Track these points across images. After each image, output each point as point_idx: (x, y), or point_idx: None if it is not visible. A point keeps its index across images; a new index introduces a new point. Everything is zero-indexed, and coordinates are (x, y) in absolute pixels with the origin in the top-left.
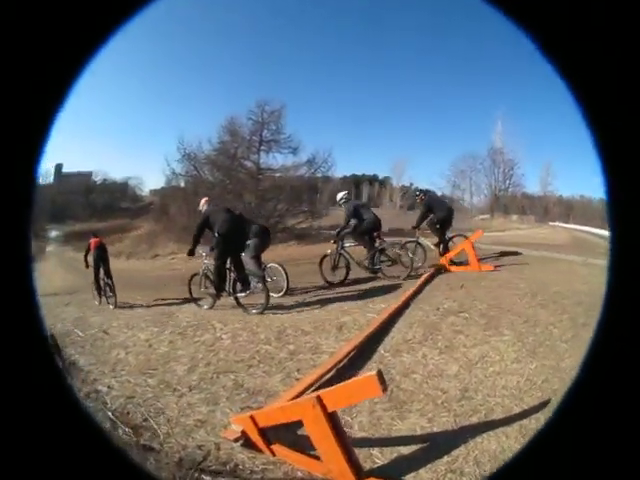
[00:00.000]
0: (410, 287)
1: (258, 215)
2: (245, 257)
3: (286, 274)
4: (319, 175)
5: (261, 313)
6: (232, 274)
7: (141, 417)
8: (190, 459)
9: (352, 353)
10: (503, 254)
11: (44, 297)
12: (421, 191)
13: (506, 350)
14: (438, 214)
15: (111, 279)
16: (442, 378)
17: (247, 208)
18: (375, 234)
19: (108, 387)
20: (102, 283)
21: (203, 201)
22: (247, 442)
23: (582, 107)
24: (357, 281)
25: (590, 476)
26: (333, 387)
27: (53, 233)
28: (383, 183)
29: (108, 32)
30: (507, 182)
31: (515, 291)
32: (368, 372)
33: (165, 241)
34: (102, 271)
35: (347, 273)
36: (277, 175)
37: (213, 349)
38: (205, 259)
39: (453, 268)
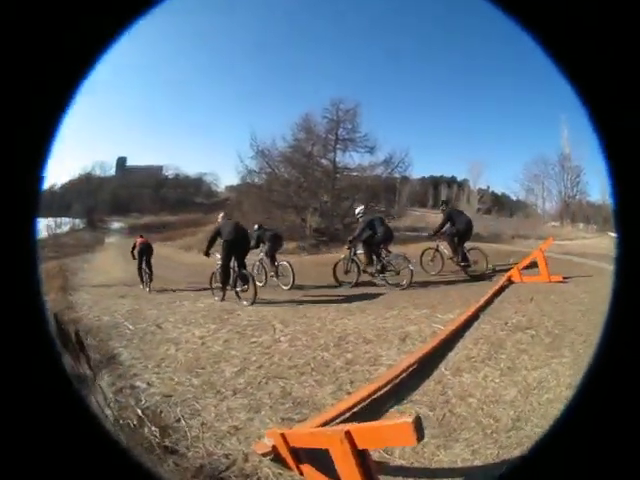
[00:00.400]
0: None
1: (333, 214)
2: (263, 257)
3: (292, 271)
4: (396, 175)
5: (251, 305)
6: (235, 272)
7: (174, 418)
8: (212, 467)
9: (411, 368)
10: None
11: (99, 288)
12: (444, 202)
13: (563, 374)
14: (457, 226)
15: (151, 270)
16: (498, 404)
17: (323, 207)
18: (382, 246)
19: (147, 384)
20: (143, 272)
21: (220, 215)
22: (277, 457)
23: (588, 109)
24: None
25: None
26: (365, 425)
27: (115, 225)
28: (461, 185)
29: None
30: (574, 189)
31: (579, 306)
32: (406, 417)
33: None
34: (144, 262)
35: (358, 276)
36: (353, 174)
37: (268, 352)
38: (218, 260)
39: (525, 279)
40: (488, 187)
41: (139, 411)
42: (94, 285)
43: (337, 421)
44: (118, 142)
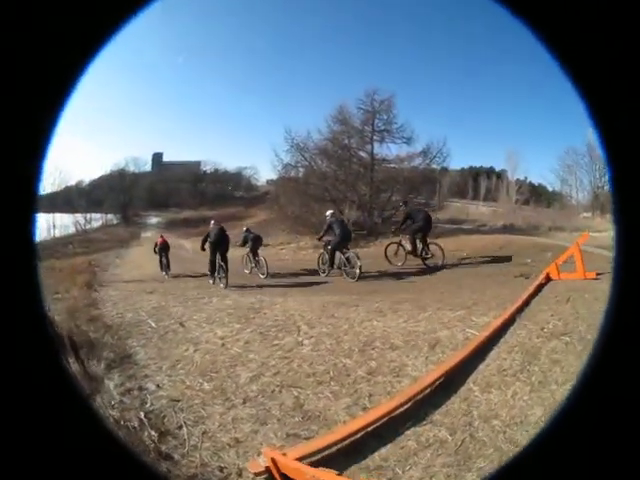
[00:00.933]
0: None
1: (372, 207)
2: (249, 252)
3: (267, 264)
4: (435, 166)
5: (225, 287)
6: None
7: (176, 424)
8: (204, 478)
9: (437, 382)
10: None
11: (129, 284)
12: (404, 202)
13: None
14: (417, 223)
15: (168, 262)
16: (521, 426)
17: (361, 200)
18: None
19: (157, 386)
20: (164, 263)
21: (212, 222)
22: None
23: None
24: None
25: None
26: None
27: (153, 220)
28: (500, 176)
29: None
30: (602, 180)
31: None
32: None
33: (277, 231)
34: (164, 257)
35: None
36: (391, 166)
37: (288, 356)
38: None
39: (562, 276)
40: (526, 178)
41: (142, 414)
42: (125, 281)
43: (341, 445)
44: (153, 138)
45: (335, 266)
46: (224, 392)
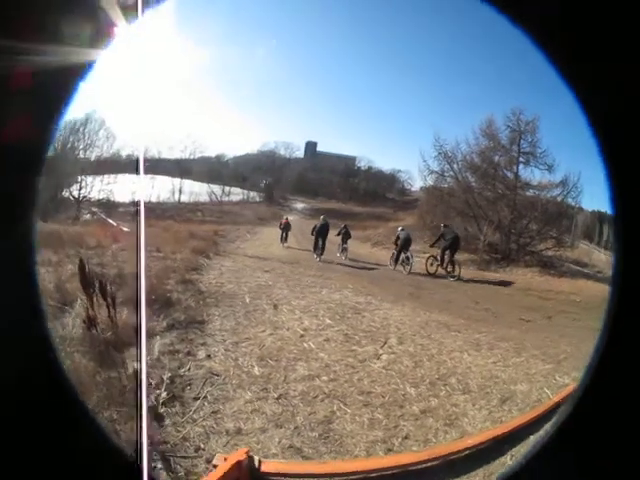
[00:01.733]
0: None
1: (509, 231)
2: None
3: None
4: (569, 201)
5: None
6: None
7: (195, 395)
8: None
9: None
10: None
11: (248, 258)
12: (445, 225)
13: None
14: (446, 241)
15: (287, 237)
16: None
17: (502, 221)
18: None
19: (208, 355)
20: (283, 237)
21: (321, 217)
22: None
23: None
24: None
25: None
26: None
27: (299, 205)
28: None
29: None
30: None
31: None
32: None
33: (419, 238)
34: (285, 234)
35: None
36: (531, 192)
37: (356, 367)
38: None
39: None
40: None
41: (167, 374)
42: (247, 255)
43: None
44: (307, 126)
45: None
46: (267, 382)
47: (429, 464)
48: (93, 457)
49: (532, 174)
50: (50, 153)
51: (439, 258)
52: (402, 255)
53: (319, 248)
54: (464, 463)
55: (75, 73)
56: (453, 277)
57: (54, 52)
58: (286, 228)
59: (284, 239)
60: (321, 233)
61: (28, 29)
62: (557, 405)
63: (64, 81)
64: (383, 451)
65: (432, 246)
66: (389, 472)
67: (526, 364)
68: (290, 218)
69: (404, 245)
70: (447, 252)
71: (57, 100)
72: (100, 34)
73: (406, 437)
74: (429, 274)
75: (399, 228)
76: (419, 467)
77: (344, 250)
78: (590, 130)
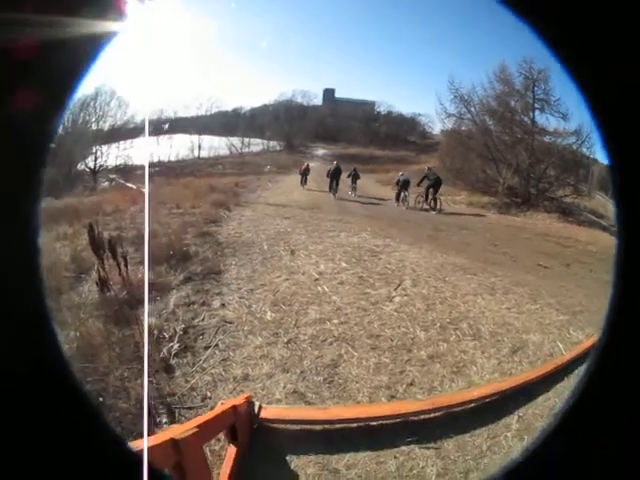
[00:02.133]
0: None
1: (528, 175)
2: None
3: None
4: (584, 150)
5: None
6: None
7: (206, 344)
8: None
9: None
10: None
11: (269, 206)
12: (429, 168)
13: None
14: (429, 181)
15: (306, 181)
16: None
17: (520, 165)
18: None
19: (222, 304)
20: (303, 181)
21: (334, 162)
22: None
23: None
24: None
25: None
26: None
27: (319, 151)
28: None
29: None
30: None
31: None
32: None
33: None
34: (335, 182)
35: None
36: (547, 138)
37: (367, 309)
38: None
39: None
40: None
41: (180, 326)
42: (268, 203)
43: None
44: (324, 74)
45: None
46: (278, 327)
47: (431, 415)
48: (93, 448)
49: (547, 121)
50: (61, 132)
51: (423, 195)
52: (402, 194)
53: (333, 188)
54: (468, 417)
55: (86, 46)
56: (435, 211)
57: (63, 24)
58: (305, 173)
59: (304, 182)
60: (335, 175)
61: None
62: (569, 363)
63: (75, 55)
64: (386, 397)
65: (418, 185)
66: (390, 420)
67: (540, 312)
68: (312, 165)
69: (403, 186)
70: (430, 190)
71: (67, 75)
72: (111, 4)
73: (411, 384)
74: (417, 209)
75: (399, 173)
76: (421, 417)
77: (354, 189)
78: (594, 120)
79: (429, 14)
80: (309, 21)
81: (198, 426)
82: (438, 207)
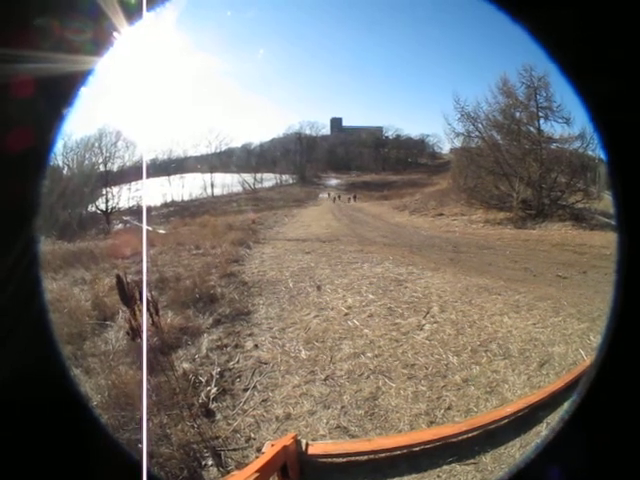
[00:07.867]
0: None
1: (540, 186)
2: None
3: None
4: (590, 152)
5: None
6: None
7: (245, 386)
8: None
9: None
10: None
11: (289, 242)
12: None
13: None
14: None
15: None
16: None
17: (532, 177)
18: None
19: (255, 345)
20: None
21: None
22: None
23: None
24: None
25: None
26: None
27: (332, 181)
28: None
29: None
30: None
31: None
32: None
33: (454, 201)
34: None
35: None
36: (555, 146)
37: (399, 340)
38: None
39: None
40: None
41: (216, 370)
42: (287, 239)
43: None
44: (329, 103)
45: None
46: (314, 364)
47: (469, 434)
48: (93, 456)
49: (552, 128)
50: (67, 174)
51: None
52: None
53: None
54: (503, 432)
55: (77, 81)
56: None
57: (56, 59)
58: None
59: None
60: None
61: (27, 36)
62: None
63: (66, 89)
64: (426, 423)
65: None
66: (431, 445)
67: (563, 324)
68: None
69: None
70: None
71: (59, 109)
72: (103, 40)
73: (448, 408)
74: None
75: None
76: (459, 438)
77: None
78: (590, 119)
79: (427, 31)
80: (306, 54)
81: (257, 470)
82: None
